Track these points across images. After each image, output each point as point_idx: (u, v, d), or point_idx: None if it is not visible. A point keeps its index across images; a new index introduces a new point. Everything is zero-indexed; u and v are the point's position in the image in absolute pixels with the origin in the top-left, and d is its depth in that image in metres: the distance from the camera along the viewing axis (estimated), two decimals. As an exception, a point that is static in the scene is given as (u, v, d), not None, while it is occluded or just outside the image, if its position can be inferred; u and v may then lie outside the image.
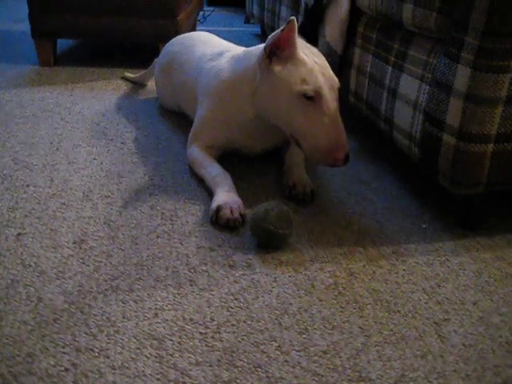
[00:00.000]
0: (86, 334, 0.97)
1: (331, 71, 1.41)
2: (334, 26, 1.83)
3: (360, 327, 1.02)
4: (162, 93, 2.14)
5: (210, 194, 1.43)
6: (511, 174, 1.28)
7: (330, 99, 1.36)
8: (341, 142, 1.33)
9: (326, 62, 1.43)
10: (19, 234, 1.26)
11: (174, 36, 2.18)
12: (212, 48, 1.79)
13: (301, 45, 1.41)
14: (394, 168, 1.71)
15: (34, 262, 1.16)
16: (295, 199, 1.46)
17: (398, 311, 1.07)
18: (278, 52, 1.38)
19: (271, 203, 1.25)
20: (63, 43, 3.13)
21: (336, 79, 1.40)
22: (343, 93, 1.88)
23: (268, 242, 1.24)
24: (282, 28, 1.35)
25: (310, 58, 1.39)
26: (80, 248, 1.22)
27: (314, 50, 1.45)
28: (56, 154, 1.70)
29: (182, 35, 2.14)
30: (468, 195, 1.34)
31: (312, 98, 1.34)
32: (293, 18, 1.32)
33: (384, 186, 1.59)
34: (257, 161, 1.67)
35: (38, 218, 1.33)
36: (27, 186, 1.49)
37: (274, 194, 1.50)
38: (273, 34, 1.38)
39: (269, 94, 1.42)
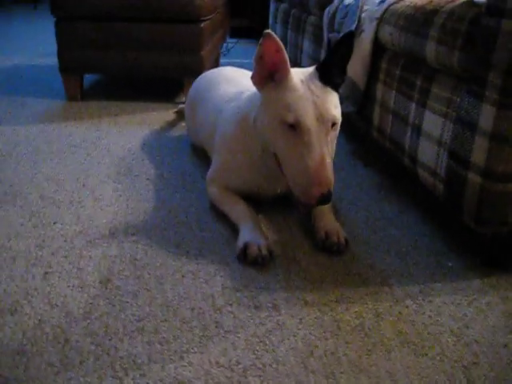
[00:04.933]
0: (112, 377, 0.97)
1: (329, 104, 1.30)
2: (356, 62, 1.85)
3: (387, 371, 1.01)
4: (189, 127, 2.15)
5: (235, 231, 1.43)
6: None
7: (315, 131, 1.26)
8: (318, 179, 1.23)
9: (331, 96, 1.33)
10: (46, 273, 1.28)
11: (199, 70, 2.21)
12: (235, 87, 1.78)
13: (300, 73, 1.35)
14: (418, 203, 1.69)
15: (62, 302, 1.17)
16: (329, 250, 1.39)
17: (426, 354, 1.05)
18: (274, 75, 1.33)
19: None
20: (90, 77, 3.19)
21: (332, 113, 1.30)
22: (366, 127, 1.89)
23: None
24: (259, 42, 1.28)
25: (305, 86, 1.30)
26: (106, 288, 1.23)
27: (318, 83, 1.32)
28: (82, 190, 1.73)
29: (211, 70, 2.17)
30: (493, 234, 1.32)
31: (293, 127, 1.28)
32: (267, 31, 1.26)
33: (408, 222, 1.58)
34: (277, 201, 1.64)
35: (64, 257, 1.34)
36: (54, 223, 1.51)
37: (297, 231, 1.51)
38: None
39: (261, 118, 1.39)
